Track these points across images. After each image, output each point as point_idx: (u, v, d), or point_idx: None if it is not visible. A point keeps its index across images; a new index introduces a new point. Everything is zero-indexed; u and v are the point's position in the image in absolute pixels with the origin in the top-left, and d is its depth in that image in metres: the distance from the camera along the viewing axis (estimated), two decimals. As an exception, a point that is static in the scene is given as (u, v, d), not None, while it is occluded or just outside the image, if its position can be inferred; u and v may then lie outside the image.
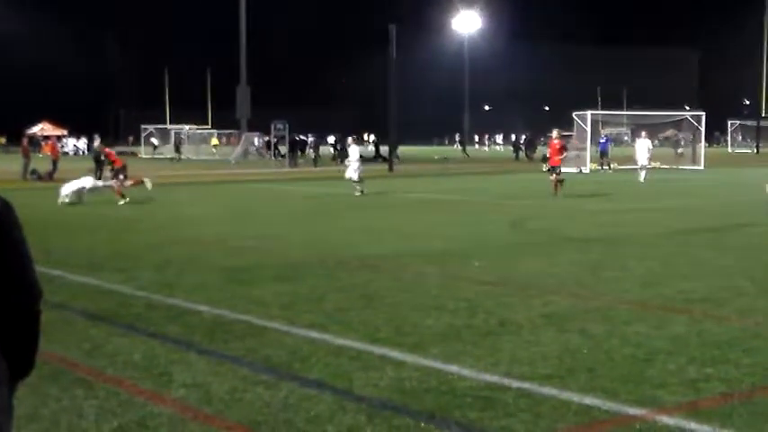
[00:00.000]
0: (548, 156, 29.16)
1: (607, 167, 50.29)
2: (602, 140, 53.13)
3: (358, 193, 29.60)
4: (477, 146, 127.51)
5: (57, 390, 7.07)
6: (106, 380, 7.40)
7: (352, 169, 30.44)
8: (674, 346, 8.51)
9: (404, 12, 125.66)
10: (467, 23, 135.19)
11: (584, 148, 50.24)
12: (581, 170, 48.06)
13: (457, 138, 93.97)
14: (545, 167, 51.23)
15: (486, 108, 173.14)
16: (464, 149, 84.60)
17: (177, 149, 73.36)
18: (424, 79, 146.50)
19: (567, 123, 56.26)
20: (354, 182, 30.15)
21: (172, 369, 7.68)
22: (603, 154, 51.81)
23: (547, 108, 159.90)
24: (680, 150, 58.69)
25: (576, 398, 6.87)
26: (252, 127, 78.69)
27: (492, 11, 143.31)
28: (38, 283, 3.35)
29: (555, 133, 30.17)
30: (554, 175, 28.50)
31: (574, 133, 53.04)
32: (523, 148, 70.37)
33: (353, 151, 31.01)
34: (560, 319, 9.68)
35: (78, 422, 6.38)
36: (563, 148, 29.37)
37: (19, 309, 3.27)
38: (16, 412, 3.44)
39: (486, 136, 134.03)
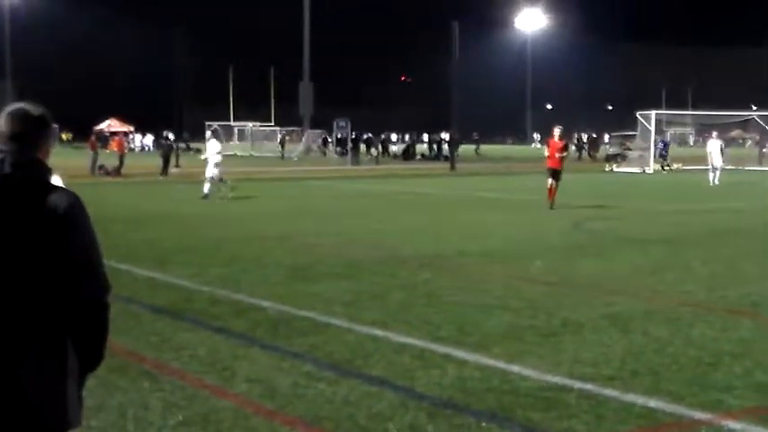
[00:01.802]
0: (546, 155, 24.80)
1: (668, 168, 49.82)
2: (659, 144, 52.49)
3: (211, 194, 26.38)
4: (538, 145, 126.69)
5: (124, 382, 7.20)
6: (172, 373, 7.52)
7: (211, 167, 26.98)
8: (740, 349, 8.41)
9: (467, 9, 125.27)
10: (530, 21, 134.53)
11: (648, 148, 49.74)
12: (644, 170, 47.62)
13: (475, 137, 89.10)
14: (607, 167, 51.17)
15: (549, 107, 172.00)
16: (477, 150, 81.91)
17: (283, 147, 73.30)
18: (487, 77, 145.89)
19: (630, 123, 55.73)
20: (212, 180, 26.74)
21: (235, 364, 7.78)
22: (663, 156, 51.39)
23: (610, 107, 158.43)
24: (765, 150, 57.28)
25: (639, 400, 6.82)
26: (315, 124, 79.15)
27: (556, 9, 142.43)
28: (107, 276, 3.43)
29: (557, 131, 24.83)
30: (551, 179, 24.17)
31: (637, 133, 52.51)
32: (586, 147, 69.83)
33: (212, 146, 27.64)
34: (623, 320, 9.61)
35: (144, 414, 6.49)
36: (565, 148, 25.26)
37: (89, 301, 3.35)
38: (85, 403, 3.53)
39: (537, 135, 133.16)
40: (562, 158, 24.47)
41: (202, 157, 27.50)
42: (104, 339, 3.48)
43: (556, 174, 24.11)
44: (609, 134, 73.56)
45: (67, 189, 3.40)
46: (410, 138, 74.60)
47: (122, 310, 9.88)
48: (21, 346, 3.26)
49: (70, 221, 3.30)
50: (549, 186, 24.15)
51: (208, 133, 30.43)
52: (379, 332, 8.97)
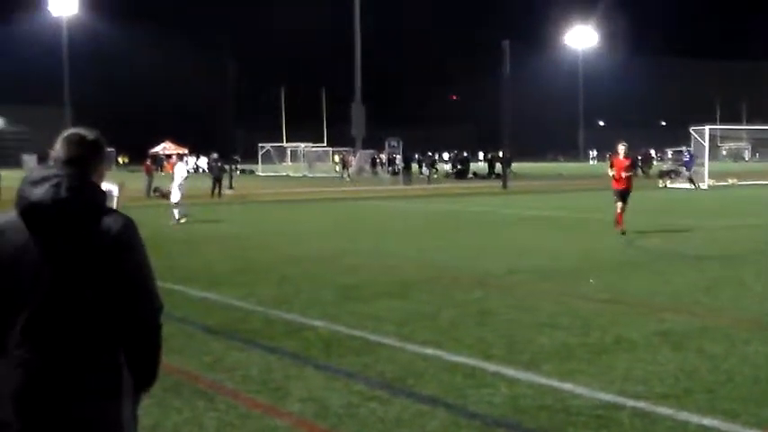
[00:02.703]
0: (612, 175, 22.12)
1: (693, 185, 47.19)
2: (686, 157, 50.57)
3: (176, 220, 26.22)
4: (592, 161, 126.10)
5: (179, 402, 7.30)
6: (225, 393, 7.61)
7: (176, 190, 27.03)
8: (798, 366, 8.30)
9: (518, 27, 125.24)
10: (581, 38, 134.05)
11: (703, 164, 49.20)
12: (698, 186, 47.08)
13: (490, 156, 77.96)
14: (661, 183, 50.66)
15: (601, 124, 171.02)
16: (491, 170, 71.79)
17: (344, 167, 73.19)
18: (539, 95, 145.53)
19: (684, 138, 55.17)
20: (174, 205, 26.81)
21: (288, 383, 7.85)
22: (687, 169, 49.31)
23: (663, 123, 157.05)
24: None
25: (694, 418, 6.77)
26: (366, 144, 79.51)
27: (607, 25, 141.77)
28: (159, 297, 3.53)
29: (621, 148, 22.24)
30: (619, 203, 21.78)
31: (691, 149, 51.96)
32: (640, 163, 69.25)
33: (179, 170, 27.98)
34: (677, 337, 9.53)
35: (199, 433, 6.58)
36: (632, 166, 23.05)
37: (142, 322, 3.45)
38: (141, 423, 3.61)
39: (593, 152, 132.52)
40: (629, 178, 22.27)
41: (174, 183, 27.51)
42: (158, 358, 3.57)
43: (624, 195, 21.81)
44: (661, 150, 72.77)
45: (121, 212, 3.49)
46: (461, 156, 74.31)
47: (177, 331, 10.03)
48: (78, 365, 3.35)
49: (123, 243, 3.40)
50: (618, 211, 21.66)
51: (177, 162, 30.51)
52: (430, 351, 8.99)
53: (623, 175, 21.88)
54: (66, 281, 3.35)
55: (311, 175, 76.18)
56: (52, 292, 3.36)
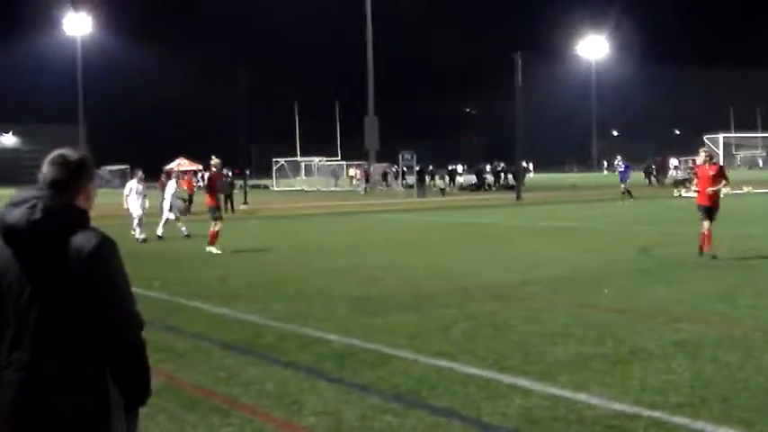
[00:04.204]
0: (695, 188, 18.86)
1: (628, 198, 44.43)
2: (620, 168, 46.68)
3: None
4: (605, 171, 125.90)
5: (194, 417, 7.32)
6: (240, 408, 7.62)
7: (166, 209, 27.41)
8: (815, 375, 8.27)
9: (529, 38, 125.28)
10: (594, 49, 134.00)
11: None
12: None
13: (487, 168, 76.81)
14: (675, 192, 50.46)
15: (615, 133, 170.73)
16: (497, 181, 71.92)
17: (367, 179, 73.39)
18: (552, 106, 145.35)
19: (698, 147, 54.98)
20: (171, 220, 27.17)
21: (303, 397, 7.86)
22: (622, 182, 46.00)
23: (678, 132, 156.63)
24: None
25: (709, 428, 6.75)
26: (380, 157, 79.57)
27: (619, 35, 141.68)
28: (136, 316, 3.55)
29: (702, 156, 18.56)
30: (706, 221, 18.05)
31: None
32: (654, 172, 69.17)
33: (170, 187, 28.11)
34: (692, 346, 9.50)
35: (215, 448, 6.60)
36: (719, 176, 18.25)
37: (117, 341, 3.48)
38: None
39: (605, 162, 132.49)
40: (716, 192, 18.24)
41: (166, 202, 27.69)
42: (140, 377, 3.59)
43: (710, 212, 18.13)
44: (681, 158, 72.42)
45: (97, 231, 3.53)
46: (477, 168, 74.20)
47: (192, 347, 10.08)
48: (62, 382, 3.42)
49: (95, 263, 3.43)
50: (703, 231, 18.19)
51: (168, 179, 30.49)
52: (444, 363, 8.99)
53: (709, 190, 18.13)
54: (44, 299, 3.43)
55: (325, 189, 76.28)
56: (32, 311, 3.44)
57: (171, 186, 28.13)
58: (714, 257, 17.67)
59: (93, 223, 3.68)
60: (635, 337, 10.06)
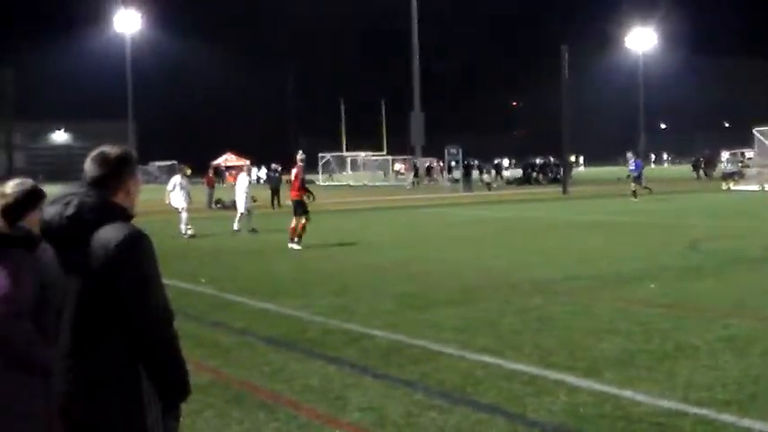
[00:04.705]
0: None
1: (638, 194, 41.06)
2: (631, 165, 43.27)
3: (238, 229, 26.37)
4: (653, 165, 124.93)
5: (239, 412, 7.38)
6: (285, 403, 7.66)
7: (240, 202, 27.11)
8: None
9: (577, 31, 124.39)
10: (642, 40, 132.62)
11: (766, 165, 48.41)
12: (763, 188, 46.33)
13: (536, 162, 73.60)
14: (724, 186, 49.85)
15: (663, 126, 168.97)
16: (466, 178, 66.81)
17: (416, 174, 73.21)
18: (599, 99, 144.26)
19: (749, 140, 54.22)
20: (242, 214, 26.90)
21: (347, 393, 7.88)
22: (636, 179, 42.24)
23: (727, 125, 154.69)
24: None
25: (757, 425, 6.68)
26: (426, 152, 79.49)
27: (668, 26, 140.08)
28: (163, 310, 3.58)
29: None
30: None
31: (755, 149, 51.10)
32: (703, 166, 68.40)
33: (242, 180, 27.85)
34: (741, 342, 9.39)
35: (260, 443, 6.64)
36: None
37: (143, 335, 3.52)
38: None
39: (653, 156, 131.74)
40: None
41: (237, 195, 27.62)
42: (173, 371, 3.62)
43: None
44: (726, 151, 71.43)
45: (129, 225, 3.57)
46: (524, 162, 73.87)
47: (237, 342, 10.15)
48: (94, 378, 3.49)
49: (122, 257, 3.47)
50: None
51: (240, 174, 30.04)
52: (489, 359, 8.97)
53: None
54: (77, 294, 3.51)
55: (371, 184, 76.34)
56: (67, 306, 3.54)
57: (243, 180, 27.94)
58: None
59: (137, 219, 3.72)
60: (682, 332, 9.97)
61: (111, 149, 3.70)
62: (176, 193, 26.55)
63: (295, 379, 8.43)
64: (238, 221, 26.69)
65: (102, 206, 3.55)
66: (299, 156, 22.49)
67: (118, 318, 3.47)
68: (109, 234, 3.47)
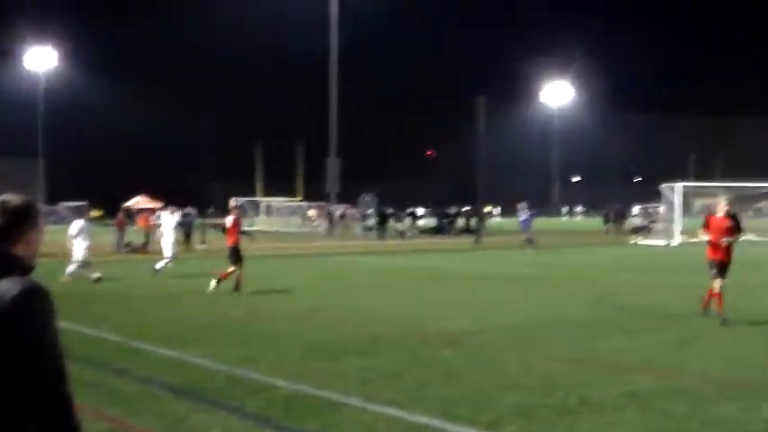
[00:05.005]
0: (706, 238, 16.23)
1: (531, 247, 40.53)
2: (522, 216, 42.79)
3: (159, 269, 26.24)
4: (565, 217, 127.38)
5: (136, 464, 7.20)
6: (185, 455, 7.50)
7: (167, 245, 27.13)
8: (762, 428, 8.30)
9: (493, 83, 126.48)
10: (557, 94, 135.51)
11: (672, 221, 49.54)
12: (669, 243, 47.37)
13: (450, 212, 74.17)
14: (632, 240, 50.87)
15: (576, 179, 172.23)
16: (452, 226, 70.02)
17: (331, 221, 72.55)
18: (513, 151, 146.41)
19: (657, 194, 55.39)
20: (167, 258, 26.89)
21: (249, 445, 7.75)
22: (525, 230, 42.24)
23: (639, 179, 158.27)
24: None
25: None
26: (342, 199, 79.58)
27: (582, 81, 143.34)
28: (60, 370, 3.44)
29: (723, 203, 16.32)
30: (719, 278, 16.00)
31: (662, 205, 52.28)
32: (613, 219, 69.67)
33: (167, 221, 27.87)
34: (643, 398, 9.51)
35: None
36: (735, 228, 16.15)
37: (37, 392, 3.40)
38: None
39: (566, 208, 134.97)
40: (730, 246, 16.09)
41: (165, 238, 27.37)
42: (63, 426, 3.51)
43: (723, 268, 16.09)
44: (638, 206, 72.80)
45: (27, 278, 3.46)
46: (438, 212, 74.50)
47: (141, 391, 9.94)
48: None
49: (17, 310, 3.35)
50: (714, 290, 16.14)
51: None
52: (393, 411, 8.92)
53: (723, 241, 15.96)
54: None
55: (284, 230, 76.02)
56: None
57: (170, 221, 27.76)
58: (725, 321, 15.42)
59: (40, 261, 3.61)
60: (585, 387, 10.06)
61: (12, 198, 3.60)
62: (79, 240, 25.33)
63: (196, 430, 8.27)
64: (164, 264, 26.48)
65: (1, 258, 3.45)
66: (233, 203, 22.62)
67: (10, 371, 3.36)
68: (4, 287, 3.37)
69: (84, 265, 25.16)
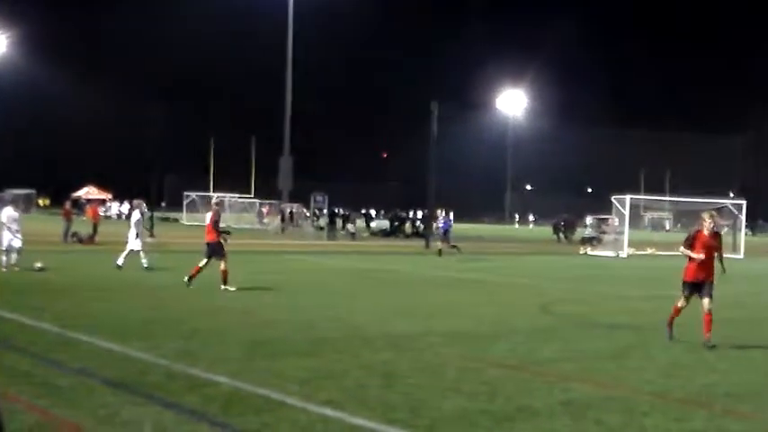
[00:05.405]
0: (689, 254, 14.78)
1: (455, 251, 41.24)
2: (440, 223, 43.36)
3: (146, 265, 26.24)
4: (516, 225, 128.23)
5: (66, 457, 7.10)
6: (117, 449, 7.41)
7: (132, 238, 26.88)
8: (692, 440, 8.39)
9: (449, 89, 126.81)
10: (511, 103, 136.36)
11: (623, 232, 50.04)
12: (618, 254, 47.83)
13: (402, 215, 74.32)
14: (582, 250, 51.31)
15: (528, 188, 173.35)
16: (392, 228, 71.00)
17: (283, 219, 72.28)
18: (467, 157, 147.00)
19: (610, 206, 55.88)
20: (136, 251, 26.67)
21: (183, 441, 7.68)
22: (444, 237, 42.40)
23: (590, 190, 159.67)
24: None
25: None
26: (295, 197, 79.39)
27: (537, 91, 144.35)
28: None
29: (708, 220, 14.88)
30: (706, 299, 14.59)
31: (613, 216, 52.74)
32: (563, 229, 70.22)
33: (134, 215, 27.50)
34: (578, 407, 9.57)
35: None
36: (720, 246, 15.17)
37: None
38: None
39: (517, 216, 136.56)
40: (712, 261, 14.82)
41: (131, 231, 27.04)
42: None
43: (699, 290, 14.75)
44: (590, 216, 73.41)
45: None
46: (394, 214, 74.46)
47: (75, 383, 9.81)
48: None
49: None
50: (679, 306, 15.23)
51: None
52: (331, 412, 8.88)
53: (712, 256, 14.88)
54: None
55: (235, 226, 75.60)
56: None
57: (135, 215, 27.39)
58: (712, 347, 14.25)
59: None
60: (525, 394, 10.11)
61: None
62: (12, 227, 24.70)
63: (129, 424, 8.16)
64: (124, 257, 26.25)
65: None
66: (214, 199, 22.72)
67: None
68: None
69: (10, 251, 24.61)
